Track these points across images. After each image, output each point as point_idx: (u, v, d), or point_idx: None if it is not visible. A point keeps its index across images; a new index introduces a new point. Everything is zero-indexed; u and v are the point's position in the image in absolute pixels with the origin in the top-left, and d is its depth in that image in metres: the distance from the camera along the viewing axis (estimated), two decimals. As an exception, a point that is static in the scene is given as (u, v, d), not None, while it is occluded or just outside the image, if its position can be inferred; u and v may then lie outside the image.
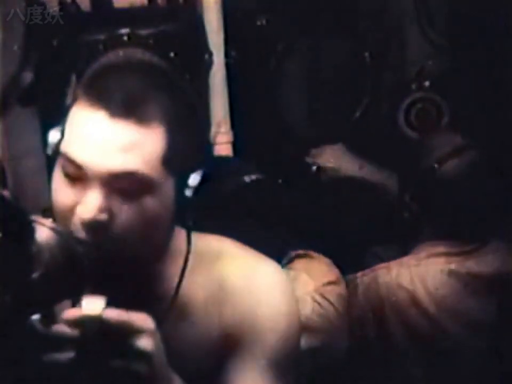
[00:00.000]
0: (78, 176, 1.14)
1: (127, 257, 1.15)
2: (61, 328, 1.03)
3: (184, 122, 1.18)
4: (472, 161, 1.93)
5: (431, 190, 1.94)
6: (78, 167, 1.14)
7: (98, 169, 1.13)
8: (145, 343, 1.05)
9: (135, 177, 1.13)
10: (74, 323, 1.03)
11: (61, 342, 1.03)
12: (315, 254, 1.90)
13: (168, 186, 1.18)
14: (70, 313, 1.04)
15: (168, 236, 1.24)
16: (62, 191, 1.17)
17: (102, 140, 1.13)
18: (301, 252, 1.89)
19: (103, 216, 1.13)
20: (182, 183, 1.19)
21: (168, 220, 1.21)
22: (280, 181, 2.33)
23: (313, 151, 2.50)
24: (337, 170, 2.44)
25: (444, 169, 1.92)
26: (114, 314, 1.04)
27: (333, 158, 2.46)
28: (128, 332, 1.04)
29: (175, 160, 1.17)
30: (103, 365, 1.04)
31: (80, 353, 1.03)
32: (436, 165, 1.92)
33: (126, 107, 1.13)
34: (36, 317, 1.04)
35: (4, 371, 1.04)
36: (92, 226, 1.13)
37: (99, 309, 1.03)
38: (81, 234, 1.14)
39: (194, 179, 1.19)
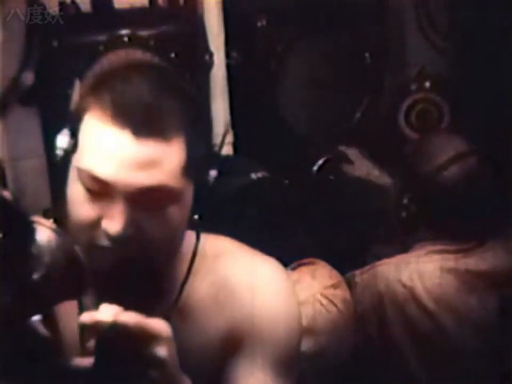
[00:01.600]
0: (102, 191, 1.14)
1: (143, 261, 1.16)
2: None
3: (195, 126, 1.19)
4: (472, 163, 1.93)
5: (430, 191, 1.94)
6: (104, 184, 1.14)
7: (125, 185, 1.13)
8: (161, 350, 1.03)
9: (161, 190, 1.14)
10: (90, 327, 1.02)
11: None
12: (318, 261, 1.90)
13: (188, 193, 1.19)
14: (86, 317, 1.03)
15: (182, 238, 1.25)
16: (84, 205, 1.16)
17: (128, 158, 1.13)
18: (304, 261, 1.89)
19: (130, 230, 1.14)
20: (200, 186, 1.21)
21: (186, 224, 1.22)
22: (286, 181, 2.33)
23: (339, 148, 2.52)
24: (351, 171, 2.45)
25: (444, 172, 1.92)
26: (131, 319, 1.02)
27: (352, 158, 2.48)
28: (145, 337, 1.03)
29: (194, 166, 1.18)
30: (116, 370, 1.02)
31: (93, 357, 1.02)
32: (436, 168, 1.93)
33: (149, 125, 1.13)
34: (36, 317, 1.04)
35: (4, 371, 1.04)
36: (119, 240, 1.13)
37: (115, 313, 1.01)
38: (105, 243, 1.14)
39: (211, 176, 1.22)
